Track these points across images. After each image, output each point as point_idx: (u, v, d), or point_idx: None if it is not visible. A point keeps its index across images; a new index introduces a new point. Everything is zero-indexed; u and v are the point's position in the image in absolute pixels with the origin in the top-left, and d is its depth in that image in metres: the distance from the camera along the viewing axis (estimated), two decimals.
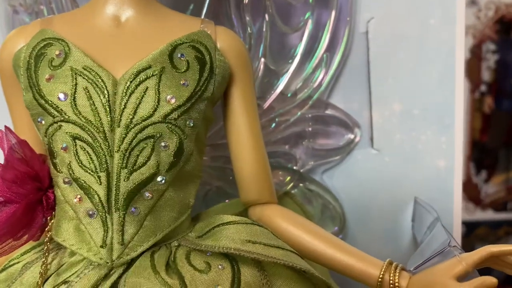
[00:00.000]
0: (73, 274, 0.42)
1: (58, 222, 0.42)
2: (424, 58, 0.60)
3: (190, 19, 0.47)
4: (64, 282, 0.41)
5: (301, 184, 0.60)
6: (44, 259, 0.41)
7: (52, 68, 0.41)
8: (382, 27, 0.60)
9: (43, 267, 0.41)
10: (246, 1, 0.53)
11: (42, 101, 0.41)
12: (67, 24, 0.44)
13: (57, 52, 0.41)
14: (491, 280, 0.37)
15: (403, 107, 0.61)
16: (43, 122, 0.41)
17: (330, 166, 0.63)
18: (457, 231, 0.63)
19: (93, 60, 0.41)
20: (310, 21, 0.55)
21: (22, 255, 0.46)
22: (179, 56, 0.43)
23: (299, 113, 0.57)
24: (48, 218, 0.42)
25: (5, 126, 0.41)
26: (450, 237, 0.44)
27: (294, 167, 0.59)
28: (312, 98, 0.58)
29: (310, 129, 0.59)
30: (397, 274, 0.42)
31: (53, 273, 0.42)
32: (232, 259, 0.41)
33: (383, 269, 0.43)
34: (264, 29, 0.54)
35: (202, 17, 0.54)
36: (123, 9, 0.45)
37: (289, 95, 0.57)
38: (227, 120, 0.48)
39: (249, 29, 0.54)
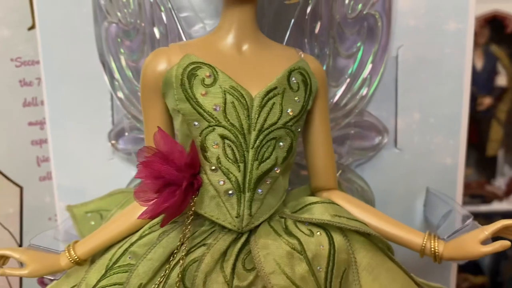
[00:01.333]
0: (208, 237, 0.55)
1: (201, 199, 0.56)
2: (439, 78, 0.76)
3: (287, 48, 0.62)
4: (203, 244, 0.55)
5: (345, 174, 0.75)
6: (184, 228, 0.55)
7: (205, 86, 0.54)
8: (408, 52, 0.75)
9: (184, 233, 0.54)
10: (317, 31, 0.68)
11: (201, 110, 0.54)
12: (202, 51, 0.57)
13: (207, 74, 0.54)
14: (507, 243, 0.54)
15: (421, 116, 0.78)
16: (198, 125, 0.54)
17: (363, 161, 0.79)
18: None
19: (235, 81, 0.55)
20: (360, 49, 0.71)
21: (158, 224, 0.58)
22: (293, 79, 0.57)
23: (346, 120, 0.73)
24: (193, 196, 0.55)
25: (159, 128, 0.54)
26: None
27: (339, 161, 0.75)
28: (357, 108, 0.73)
29: (352, 132, 0.75)
30: (436, 241, 0.58)
31: (188, 238, 0.55)
32: (325, 228, 0.56)
33: (425, 238, 0.59)
34: (328, 54, 0.69)
35: (284, 44, 0.69)
36: (243, 40, 0.58)
37: (341, 105, 0.72)
38: (309, 124, 0.62)
39: (317, 53, 0.69)
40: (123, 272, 0.56)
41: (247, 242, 0.55)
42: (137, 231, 0.60)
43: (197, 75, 0.55)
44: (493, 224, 0.56)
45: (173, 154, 0.52)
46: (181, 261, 0.54)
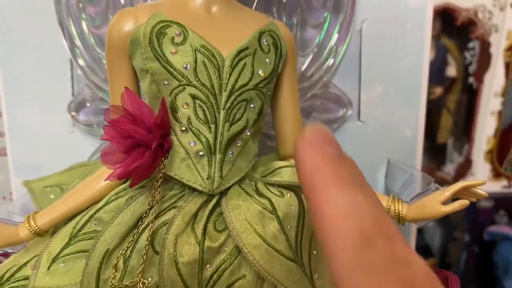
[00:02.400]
0: (178, 200, 0.55)
1: (171, 161, 0.55)
2: (401, 52, 0.78)
3: (257, 13, 0.62)
4: (173, 207, 0.54)
5: None
6: (154, 191, 0.53)
7: (175, 44, 0.53)
8: (372, 26, 0.77)
9: (154, 196, 0.53)
10: (285, 0, 0.68)
11: (171, 69, 0.53)
12: (171, 10, 0.56)
13: (177, 32, 0.53)
14: (466, 202, 0.57)
15: (383, 89, 0.80)
16: (168, 85, 0.53)
17: None
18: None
19: (206, 40, 0.54)
20: (327, 19, 0.71)
21: (125, 190, 0.57)
22: (264, 41, 0.57)
23: (312, 91, 0.74)
24: (163, 158, 0.54)
25: (126, 88, 0.52)
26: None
27: None
28: (323, 79, 0.74)
29: (318, 103, 0.76)
30: (400, 204, 0.60)
31: (157, 202, 0.54)
32: (295, 190, 0.57)
33: (389, 201, 0.61)
34: (295, 24, 0.70)
35: None
36: (213, 1, 0.58)
37: (308, 75, 0.73)
38: (278, 90, 0.62)
39: (284, 22, 0.69)
40: (89, 239, 0.55)
41: (218, 204, 0.55)
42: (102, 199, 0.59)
43: (166, 34, 0.54)
44: (453, 186, 0.59)
45: (142, 114, 0.51)
46: (150, 224, 0.53)
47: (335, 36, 0.73)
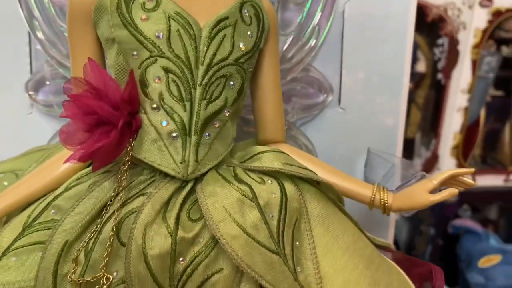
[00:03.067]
0: (147, 187, 0.49)
1: (139, 143, 0.49)
2: (384, 37, 0.75)
3: None
4: (142, 194, 0.49)
5: (289, 132, 0.72)
6: (120, 175, 0.48)
7: (146, 10, 0.47)
8: (355, 8, 0.74)
9: (120, 181, 0.48)
10: None
11: (141, 38, 0.47)
12: None
13: None
14: (455, 190, 0.54)
15: (365, 75, 0.77)
16: (137, 56, 0.47)
17: (306, 119, 0.76)
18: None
19: (181, 7, 0.48)
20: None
21: (87, 175, 0.51)
22: (245, 12, 0.52)
23: (293, 75, 0.70)
24: (131, 139, 0.48)
25: (89, 59, 0.47)
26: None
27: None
28: (304, 61, 0.70)
29: (298, 87, 0.72)
30: (385, 193, 0.57)
31: (124, 188, 0.49)
32: (276, 177, 0.52)
33: (374, 190, 0.58)
34: (276, 1, 0.65)
35: None
36: None
37: (288, 57, 0.68)
38: (259, 68, 0.57)
39: None
40: (45, 230, 0.49)
41: (192, 190, 0.50)
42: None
43: None
44: (441, 174, 0.56)
45: (107, 88, 0.46)
46: (116, 213, 0.47)
47: (317, 15, 0.69)
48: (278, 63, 0.59)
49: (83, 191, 0.50)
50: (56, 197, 0.50)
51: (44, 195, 0.53)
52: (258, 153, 0.55)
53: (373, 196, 0.57)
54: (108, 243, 0.46)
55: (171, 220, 0.47)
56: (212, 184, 0.49)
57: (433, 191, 0.55)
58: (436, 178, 0.56)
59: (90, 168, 0.52)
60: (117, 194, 0.48)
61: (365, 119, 0.78)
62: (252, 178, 0.51)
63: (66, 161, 0.46)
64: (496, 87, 1.57)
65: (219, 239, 0.45)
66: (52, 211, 0.50)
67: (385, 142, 0.79)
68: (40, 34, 0.66)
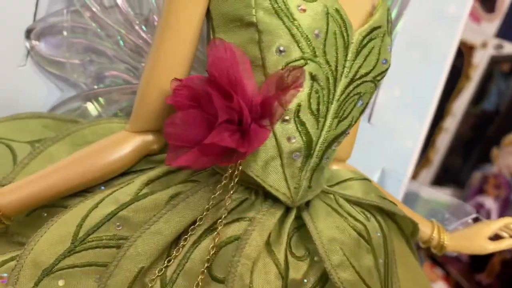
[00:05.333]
0: (245, 208, 0.41)
1: (253, 156, 0.40)
2: (425, 59, 0.74)
3: None
4: (241, 218, 0.40)
5: None
6: (217, 190, 0.38)
7: None
8: (408, 25, 0.70)
9: (225, 199, 0.38)
10: None
11: (297, 32, 0.37)
12: None
13: None
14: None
15: (400, 94, 0.74)
16: (285, 53, 0.37)
17: None
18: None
19: (340, 4, 0.39)
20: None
21: (159, 179, 0.40)
22: (389, 21, 0.45)
23: None
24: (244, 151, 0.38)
25: (218, 39, 0.36)
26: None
27: None
28: None
29: None
30: (444, 234, 0.56)
31: (229, 207, 0.39)
32: (369, 210, 0.47)
33: (434, 229, 0.55)
34: None
35: None
36: None
37: None
38: None
39: None
40: (106, 248, 0.38)
41: (296, 218, 0.43)
42: (108, 181, 0.42)
43: None
44: (498, 221, 0.57)
45: (242, 83, 0.35)
46: (215, 240, 0.38)
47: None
48: None
49: (161, 203, 0.39)
50: (122, 207, 0.39)
51: (85, 188, 0.42)
52: (347, 179, 0.49)
53: (433, 236, 0.55)
54: (200, 277, 0.37)
55: (280, 255, 0.39)
56: (324, 217, 0.42)
57: (489, 237, 0.55)
58: (494, 224, 0.56)
59: (160, 162, 0.42)
60: (220, 218, 0.39)
61: (388, 137, 0.76)
62: (358, 213, 0.45)
63: (174, 163, 0.35)
64: None
65: (337, 284, 0.39)
66: (117, 223, 0.38)
67: (399, 163, 0.79)
68: None
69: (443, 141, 1.78)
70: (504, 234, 0.57)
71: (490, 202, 1.44)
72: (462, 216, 0.59)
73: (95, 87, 0.55)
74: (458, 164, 1.81)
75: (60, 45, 0.54)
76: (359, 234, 0.43)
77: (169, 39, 0.40)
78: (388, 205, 0.48)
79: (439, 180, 1.84)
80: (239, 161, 0.38)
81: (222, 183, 0.39)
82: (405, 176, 0.79)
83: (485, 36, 1.50)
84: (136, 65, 0.54)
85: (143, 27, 0.53)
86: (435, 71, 0.74)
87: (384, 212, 0.49)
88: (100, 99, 0.56)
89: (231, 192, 0.39)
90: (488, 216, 1.33)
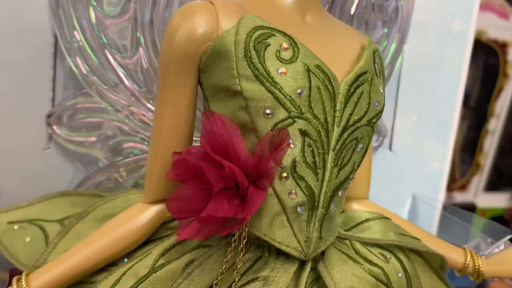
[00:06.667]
0: (259, 267, 0.41)
1: (258, 215, 0.41)
2: (438, 79, 0.73)
3: (346, 26, 0.49)
4: (256, 278, 0.40)
5: None
6: (229, 254, 0.39)
7: (283, 61, 0.39)
8: (414, 49, 0.70)
9: (236, 262, 0.39)
10: (353, 12, 0.58)
11: (280, 95, 0.38)
12: (261, 12, 0.41)
13: (284, 45, 0.39)
14: None
15: (418, 117, 0.73)
16: (272, 115, 0.39)
17: None
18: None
19: (319, 59, 0.40)
20: (387, 36, 0.62)
21: (175, 248, 0.42)
22: (376, 62, 0.45)
23: None
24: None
25: (210, 111, 0.38)
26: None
27: None
28: None
29: None
30: (479, 259, 0.53)
31: (240, 270, 0.40)
32: (390, 250, 0.46)
33: (467, 256, 0.53)
34: None
35: None
36: (306, 7, 0.44)
37: None
38: None
39: None
40: None
41: (311, 271, 0.43)
42: (131, 252, 0.44)
43: (269, 45, 0.39)
44: None
45: (235, 149, 0.37)
46: None
47: (391, 54, 0.64)
48: None
49: (177, 272, 0.41)
50: (141, 280, 0.40)
51: (110, 264, 0.44)
52: (364, 220, 0.49)
53: (467, 263, 0.53)
54: None
55: None
56: (339, 266, 0.42)
57: None
58: None
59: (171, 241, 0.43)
60: (234, 281, 0.39)
61: (413, 163, 0.75)
62: (376, 256, 0.44)
63: (180, 238, 0.37)
64: None
65: None
66: None
67: (429, 187, 0.77)
68: (80, 61, 0.54)
69: (491, 144, 1.71)
70: None
71: None
72: (497, 238, 0.57)
73: (114, 160, 0.59)
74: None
75: (77, 125, 0.58)
76: (377, 278, 0.42)
77: (166, 115, 0.42)
78: (409, 242, 0.47)
79: (494, 185, 1.76)
80: (245, 223, 0.39)
81: (232, 246, 0.40)
82: (437, 199, 0.77)
83: None
84: (148, 134, 0.57)
85: (149, 99, 0.56)
86: (451, 89, 0.74)
87: (408, 249, 0.48)
88: (121, 170, 0.59)
89: (241, 254, 0.39)
90: None
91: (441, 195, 0.78)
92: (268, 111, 0.39)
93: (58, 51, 0.56)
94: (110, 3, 0.53)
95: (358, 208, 0.53)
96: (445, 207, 0.72)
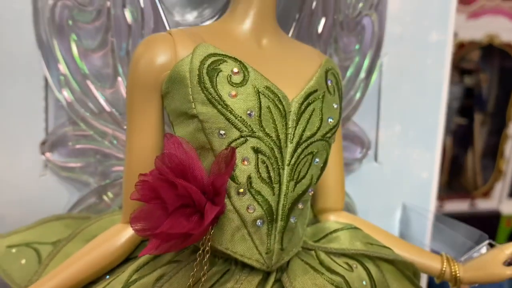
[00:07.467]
0: (225, 280, 0.44)
1: (220, 231, 0.43)
2: (420, 89, 0.74)
3: (306, 46, 0.52)
4: None
5: None
6: (195, 267, 0.42)
7: (233, 85, 0.42)
8: (393, 61, 0.72)
9: (197, 275, 0.42)
10: (320, 31, 0.60)
11: (231, 116, 0.41)
12: (217, 41, 0.44)
13: (235, 70, 0.42)
14: None
15: (402, 128, 0.74)
16: (225, 135, 0.42)
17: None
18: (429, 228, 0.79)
19: (269, 81, 0.43)
20: (358, 52, 0.64)
21: (148, 264, 0.45)
22: (329, 81, 0.48)
23: None
24: (211, 227, 0.42)
25: (169, 134, 0.41)
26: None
27: None
28: (348, 117, 0.67)
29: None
30: (456, 265, 0.54)
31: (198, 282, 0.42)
32: (357, 259, 0.48)
33: (444, 263, 0.54)
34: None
35: None
36: (262, 32, 0.47)
37: None
38: None
39: None
40: None
41: (276, 282, 0.45)
42: (112, 270, 0.47)
43: (221, 71, 0.42)
44: (511, 245, 0.54)
45: (193, 168, 0.40)
46: None
47: (364, 69, 0.66)
48: (340, 130, 0.55)
49: (148, 286, 0.43)
50: None
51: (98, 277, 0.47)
52: (333, 231, 0.50)
53: (443, 269, 0.53)
54: None
55: None
56: (301, 276, 0.44)
57: (505, 263, 0.53)
58: (507, 248, 0.53)
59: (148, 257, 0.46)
60: None
61: (400, 173, 0.76)
62: (339, 265, 0.46)
63: (142, 253, 0.40)
64: (460, 115, 1.63)
65: None
66: None
67: (419, 196, 0.77)
68: (67, 92, 0.58)
69: None
70: None
71: None
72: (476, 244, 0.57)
73: (102, 183, 0.62)
74: None
75: (68, 152, 0.62)
76: (337, 287, 0.43)
77: (135, 138, 0.46)
78: (376, 250, 0.48)
79: None
80: (207, 238, 0.42)
81: (198, 260, 0.42)
82: (428, 207, 0.77)
83: None
84: None
85: None
86: (434, 98, 0.74)
87: (376, 257, 0.50)
88: (109, 193, 0.62)
89: (205, 268, 0.42)
90: None
91: (432, 204, 0.78)
92: (222, 131, 0.42)
93: (48, 83, 0.61)
94: (89, 37, 0.57)
95: (334, 220, 0.55)
96: (437, 217, 0.72)
